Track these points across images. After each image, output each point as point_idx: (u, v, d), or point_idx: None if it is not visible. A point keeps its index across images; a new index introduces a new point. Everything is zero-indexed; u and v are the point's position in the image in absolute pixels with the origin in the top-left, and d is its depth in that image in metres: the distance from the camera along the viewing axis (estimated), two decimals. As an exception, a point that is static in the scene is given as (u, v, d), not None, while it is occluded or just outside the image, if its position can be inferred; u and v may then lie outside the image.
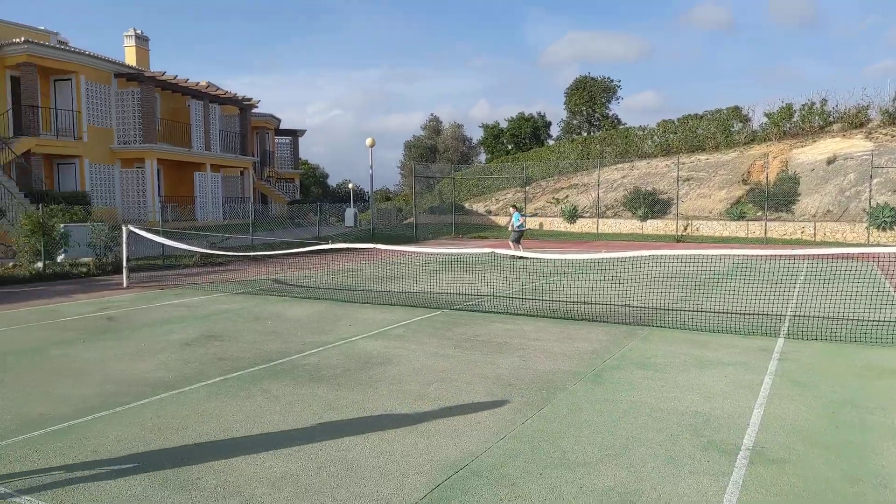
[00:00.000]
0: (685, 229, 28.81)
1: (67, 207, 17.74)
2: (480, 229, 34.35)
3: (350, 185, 46.27)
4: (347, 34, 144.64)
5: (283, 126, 43.80)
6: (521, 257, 17.33)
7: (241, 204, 33.37)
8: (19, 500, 3.68)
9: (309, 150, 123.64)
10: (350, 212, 35.15)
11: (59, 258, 16.23)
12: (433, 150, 59.91)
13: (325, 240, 16.51)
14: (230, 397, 5.65)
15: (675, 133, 35.89)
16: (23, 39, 24.11)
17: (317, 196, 49.57)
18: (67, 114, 26.09)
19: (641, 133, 37.82)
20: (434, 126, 62.75)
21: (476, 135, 67.35)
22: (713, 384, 6.06)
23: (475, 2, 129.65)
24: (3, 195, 20.42)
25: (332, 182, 64.97)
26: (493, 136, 58.07)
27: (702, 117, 35.22)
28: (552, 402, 5.49)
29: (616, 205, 33.19)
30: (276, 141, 43.54)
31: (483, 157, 59.25)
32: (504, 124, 58.08)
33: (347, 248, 15.65)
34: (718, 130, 34.32)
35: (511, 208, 22.10)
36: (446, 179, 41.77)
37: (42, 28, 26.73)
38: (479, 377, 6.27)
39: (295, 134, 44.91)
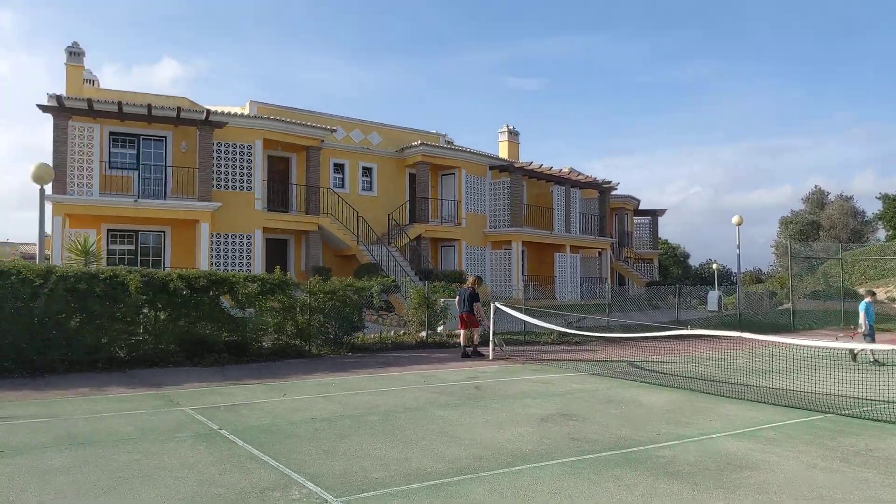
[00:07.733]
0: None
1: (447, 285, 20.13)
2: (879, 320, 29.28)
3: (714, 266, 43.56)
4: (714, 111, 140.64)
5: (641, 206, 43.93)
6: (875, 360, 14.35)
7: (598, 284, 33.95)
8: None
9: (666, 229, 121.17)
10: (713, 295, 33.02)
11: (439, 328, 18.29)
12: (815, 227, 53.59)
13: (685, 324, 15.70)
14: (582, 479, 5.59)
15: None
16: (419, 142, 28.89)
17: (676, 277, 47.93)
18: (450, 203, 30.32)
19: None
20: (817, 199, 56.29)
21: (870, 208, 58.51)
22: None
23: (866, 68, 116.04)
24: (399, 273, 24.31)
25: (694, 262, 62.21)
26: (896, 208, 49.53)
27: None
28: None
29: None
30: (634, 221, 43.78)
31: (882, 233, 50.84)
32: (910, 195, 49.25)
33: (709, 335, 14.68)
34: None
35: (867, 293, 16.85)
36: (832, 260, 36.87)
37: (433, 131, 31.44)
38: (873, 501, 5.20)
39: (654, 214, 44.62)
